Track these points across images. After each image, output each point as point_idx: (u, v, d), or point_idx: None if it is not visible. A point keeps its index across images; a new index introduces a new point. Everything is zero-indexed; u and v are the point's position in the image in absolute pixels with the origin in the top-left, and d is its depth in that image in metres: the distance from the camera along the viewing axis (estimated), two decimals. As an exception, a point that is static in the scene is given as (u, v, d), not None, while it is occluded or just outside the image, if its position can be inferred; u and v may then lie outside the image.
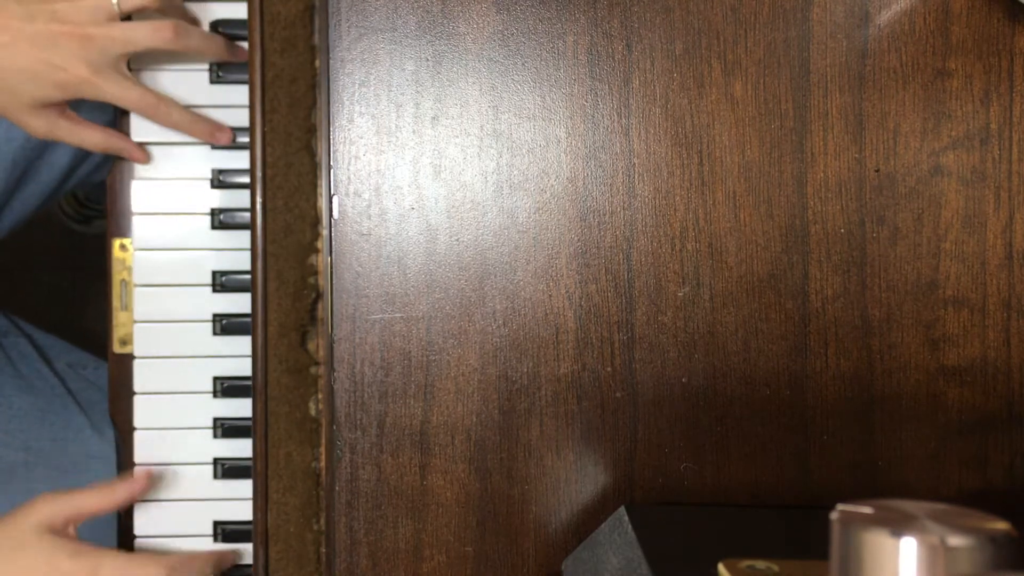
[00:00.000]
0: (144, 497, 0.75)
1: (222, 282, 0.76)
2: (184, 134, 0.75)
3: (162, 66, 0.75)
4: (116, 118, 0.76)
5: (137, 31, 0.70)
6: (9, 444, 0.87)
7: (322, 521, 0.65)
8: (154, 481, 0.75)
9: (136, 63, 0.74)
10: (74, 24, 0.69)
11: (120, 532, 0.77)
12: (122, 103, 0.72)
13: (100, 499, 0.72)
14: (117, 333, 0.77)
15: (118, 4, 0.70)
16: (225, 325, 0.76)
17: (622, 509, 0.57)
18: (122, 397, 0.77)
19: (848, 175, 0.60)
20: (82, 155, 0.89)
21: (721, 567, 0.45)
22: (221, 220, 0.76)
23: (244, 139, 0.75)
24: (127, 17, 0.71)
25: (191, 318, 0.77)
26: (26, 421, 0.85)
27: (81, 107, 0.75)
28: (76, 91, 0.71)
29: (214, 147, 0.76)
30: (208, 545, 0.77)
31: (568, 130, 0.60)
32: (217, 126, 0.75)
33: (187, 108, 0.75)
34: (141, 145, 0.76)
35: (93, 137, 0.74)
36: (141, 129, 0.76)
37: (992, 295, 0.60)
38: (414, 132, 0.60)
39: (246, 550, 0.76)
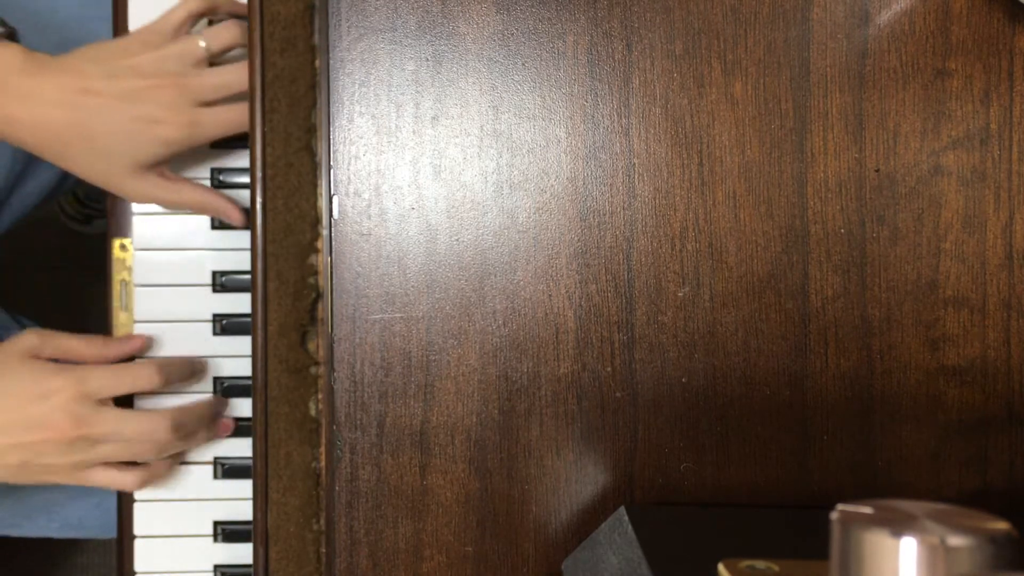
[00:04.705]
0: (150, 390, 0.72)
1: (222, 282, 0.76)
2: None
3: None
4: None
5: (231, 74, 0.67)
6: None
7: (322, 521, 0.65)
8: (148, 344, 0.73)
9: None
10: (164, 75, 0.65)
11: (119, 531, 0.77)
12: (228, 131, 0.68)
13: (88, 347, 0.71)
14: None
15: (207, 47, 0.67)
16: (225, 325, 0.76)
17: (622, 509, 0.57)
18: (122, 397, 0.77)
19: (848, 175, 0.60)
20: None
21: (721, 567, 0.45)
22: (221, 220, 0.76)
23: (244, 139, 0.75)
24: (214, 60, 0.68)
25: (191, 318, 0.77)
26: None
27: None
28: (183, 143, 0.67)
29: (213, 146, 0.76)
30: (208, 545, 0.77)
31: (568, 130, 0.60)
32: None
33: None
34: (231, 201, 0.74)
35: (192, 195, 0.71)
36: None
37: (992, 295, 0.60)
38: (414, 132, 0.60)
39: (246, 549, 0.76)
